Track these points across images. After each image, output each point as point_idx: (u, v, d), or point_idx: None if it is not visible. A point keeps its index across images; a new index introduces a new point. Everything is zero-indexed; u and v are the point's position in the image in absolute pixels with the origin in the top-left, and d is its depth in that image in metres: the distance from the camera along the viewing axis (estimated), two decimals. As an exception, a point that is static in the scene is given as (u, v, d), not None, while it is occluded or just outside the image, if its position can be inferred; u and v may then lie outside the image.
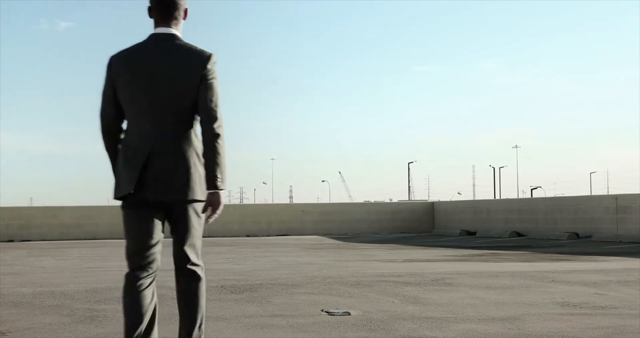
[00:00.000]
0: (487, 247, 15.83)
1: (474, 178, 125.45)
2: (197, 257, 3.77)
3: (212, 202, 3.63)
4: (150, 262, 3.69)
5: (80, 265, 11.46)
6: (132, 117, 3.76)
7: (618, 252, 13.36)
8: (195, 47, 3.79)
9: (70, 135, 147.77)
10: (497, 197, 71.50)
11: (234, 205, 26.24)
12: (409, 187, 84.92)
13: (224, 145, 3.68)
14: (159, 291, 7.46)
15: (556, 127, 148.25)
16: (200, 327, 3.85)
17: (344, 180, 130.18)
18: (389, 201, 69.63)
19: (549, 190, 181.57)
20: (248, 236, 23.10)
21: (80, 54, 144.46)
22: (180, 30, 3.87)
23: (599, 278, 8.36)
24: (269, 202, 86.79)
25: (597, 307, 6.01)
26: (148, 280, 3.68)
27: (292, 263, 11.21)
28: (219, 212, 3.66)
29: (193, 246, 3.74)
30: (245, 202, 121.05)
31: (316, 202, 57.50)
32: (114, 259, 12.67)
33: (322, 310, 5.87)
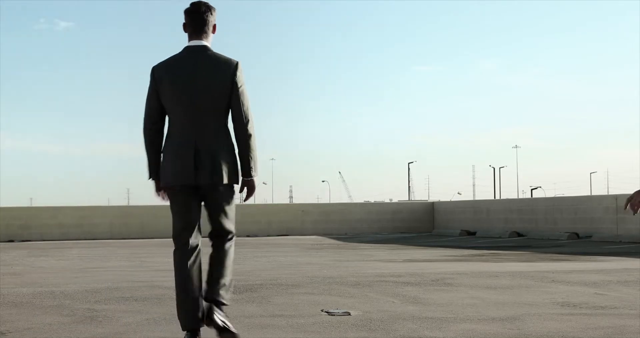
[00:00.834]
0: (487, 247, 15.84)
1: (474, 178, 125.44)
2: (232, 226, 4.56)
3: (248, 187, 4.48)
4: (193, 237, 4.45)
5: (80, 265, 11.47)
6: (174, 117, 4.48)
7: (618, 252, 13.36)
8: (223, 56, 4.51)
9: (70, 135, 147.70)
10: (497, 197, 71.52)
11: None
12: (409, 187, 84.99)
13: (255, 141, 4.48)
14: (159, 291, 7.43)
15: (556, 127, 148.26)
16: (229, 288, 4.47)
17: (344, 180, 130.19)
18: (389, 201, 69.65)
19: (549, 190, 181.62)
20: (248, 236, 23.09)
21: (80, 54, 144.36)
22: (210, 42, 4.59)
23: (599, 278, 8.36)
24: (269, 202, 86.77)
25: (597, 307, 6.01)
26: (193, 254, 4.42)
27: (292, 264, 11.21)
28: (253, 193, 4.50)
29: (228, 218, 4.51)
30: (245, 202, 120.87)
31: (316, 202, 57.57)
32: (113, 259, 12.68)
33: (322, 310, 5.87)
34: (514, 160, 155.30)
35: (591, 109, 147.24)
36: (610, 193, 41.11)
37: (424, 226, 25.37)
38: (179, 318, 4.36)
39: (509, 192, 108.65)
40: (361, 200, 66.79)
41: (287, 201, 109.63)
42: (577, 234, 18.67)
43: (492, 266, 10.37)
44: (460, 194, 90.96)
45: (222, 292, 4.39)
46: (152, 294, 6.94)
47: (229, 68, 4.44)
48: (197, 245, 4.45)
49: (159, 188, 4.58)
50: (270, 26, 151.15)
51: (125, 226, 22.88)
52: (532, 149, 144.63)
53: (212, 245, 4.53)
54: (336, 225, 24.56)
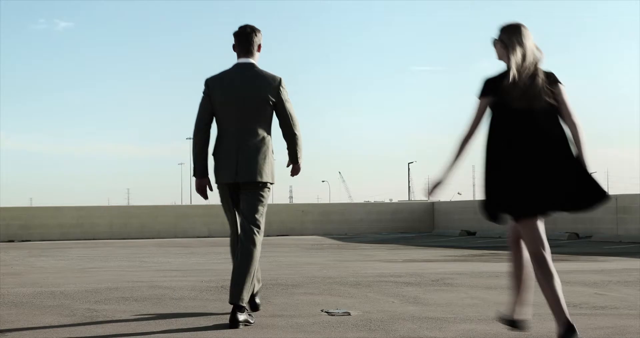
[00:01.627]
0: (487, 247, 15.83)
1: (474, 178, 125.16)
2: (262, 218, 5.29)
3: (294, 168, 5.60)
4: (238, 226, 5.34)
5: (80, 265, 11.46)
6: (224, 124, 5.30)
7: (618, 252, 13.35)
8: (268, 73, 5.32)
9: (69, 135, 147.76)
10: (497, 197, 71.23)
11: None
12: (409, 187, 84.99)
13: (302, 140, 5.50)
14: (159, 291, 7.42)
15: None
16: (252, 279, 5.17)
17: (344, 180, 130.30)
18: (389, 201, 69.64)
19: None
20: (248, 236, 23.06)
21: (80, 54, 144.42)
22: (257, 59, 5.38)
23: (599, 278, 8.35)
24: (269, 202, 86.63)
25: (597, 307, 6.01)
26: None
27: (292, 264, 11.20)
28: (298, 173, 5.60)
29: (258, 212, 5.26)
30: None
31: (316, 202, 57.54)
32: (113, 259, 12.67)
33: (322, 310, 5.87)
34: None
35: (591, 109, 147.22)
36: (610, 193, 40.99)
37: (424, 226, 25.36)
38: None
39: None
40: (361, 200, 66.79)
41: (287, 201, 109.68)
42: (577, 234, 18.67)
43: (492, 266, 10.37)
44: (460, 194, 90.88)
45: (244, 295, 5.09)
46: (152, 294, 6.94)
47: (272, 83, 5.26)
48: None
49: (201, 186, 5.39)
50: (270, 26, 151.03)
51: (125, 226, 22.87)
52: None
53: (240, 239, 5.20)
54: (336, 225, 24.55)
